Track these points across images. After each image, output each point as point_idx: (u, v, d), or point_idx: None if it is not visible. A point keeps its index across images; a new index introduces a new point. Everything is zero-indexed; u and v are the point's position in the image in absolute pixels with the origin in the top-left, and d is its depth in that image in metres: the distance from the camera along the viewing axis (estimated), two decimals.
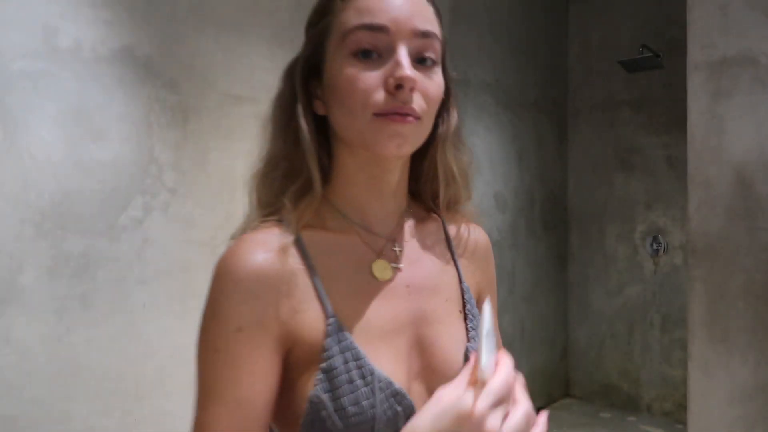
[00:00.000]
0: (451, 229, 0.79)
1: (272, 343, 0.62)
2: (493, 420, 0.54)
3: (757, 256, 1.80)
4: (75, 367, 1.72)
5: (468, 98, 3.33)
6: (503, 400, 0.55)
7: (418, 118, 0.63)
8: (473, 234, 0.81)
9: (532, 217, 3.92)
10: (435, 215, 0.79)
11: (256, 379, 0.61)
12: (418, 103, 0.62)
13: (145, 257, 1.88)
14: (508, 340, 3.60)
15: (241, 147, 2.14)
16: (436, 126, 0.70)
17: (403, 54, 0.61)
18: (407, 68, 0.61)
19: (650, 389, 3.88)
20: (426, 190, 0.76)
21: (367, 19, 0.62)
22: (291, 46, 2.31)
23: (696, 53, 1.92)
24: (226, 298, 0.62)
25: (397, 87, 0.61)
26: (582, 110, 4.20)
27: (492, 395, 0.54)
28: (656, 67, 3.63)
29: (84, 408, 1.74)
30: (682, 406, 3.63)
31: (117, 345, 1.81)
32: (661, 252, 3.84)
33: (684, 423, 2.39)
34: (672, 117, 3.71)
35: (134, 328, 1.85)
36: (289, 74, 0.72)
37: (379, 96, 0.61)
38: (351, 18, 0.63)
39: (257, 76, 2.19)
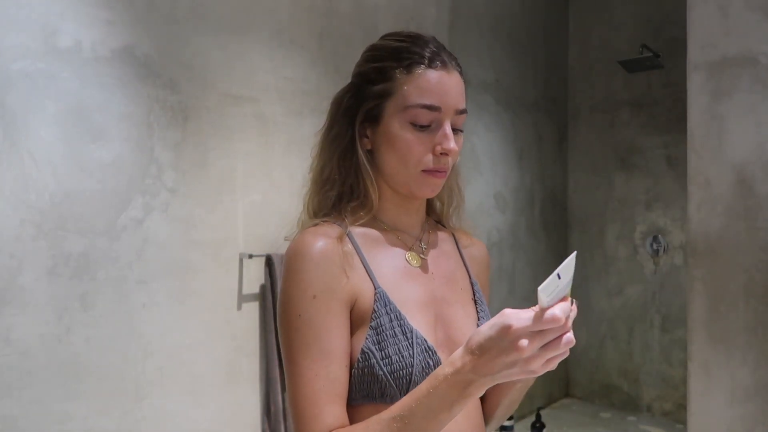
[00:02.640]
0: (456, 236, 1.01)
1: (341, 305, 0.80)
2: (526, 342, 0.61)
3: (757, 256, 1.80)
4: (75, 367, 1.72)
5: (468, 98, 3.33)
6: (546, 332, 0.62)
7: (447, 171, 0.86)
8: (472, 241, 1.03)
9: (532, 217, 3.92)
10: (444, 228, 1.00)
11: (333, 334, 0.78)
12: (451, 162, 0.86)
13: (145, 257, 1.88)
14: None
15: (241, 147, 2.14)
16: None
17: (449, 129, 0.83)
18: (452, 142, 0.83)
19: (650, 389, 3.88)
20: (436, 200, 0.99)
21: (426, 101, 0.82)
22: (291, 46, 2.31)
23: (696, 53, 1.92)
24: (302, 273, 0.79)
25: (442, 154, 0.84)
26: (582, 110, 4.20)
27: (536, 323, 0.61)
28: (656, 67, 3.63)
29: (84, 408, 1.74)
30: (682, 406, 3.63)
31: (117, 345, 1.81)
32: (661, 252, 3.83)
33: (684, 423, 2.39)
34: (672, 117, 3.70)
35: (134, 328, 1.85)
36: (344, 113, 0.89)
37: (428, 158, 0.84)
38: (413, 95, 0.83)
39: (257, 76, 2.19)
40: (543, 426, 3.09)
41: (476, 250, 1.02)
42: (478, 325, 0.90)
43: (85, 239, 1.74)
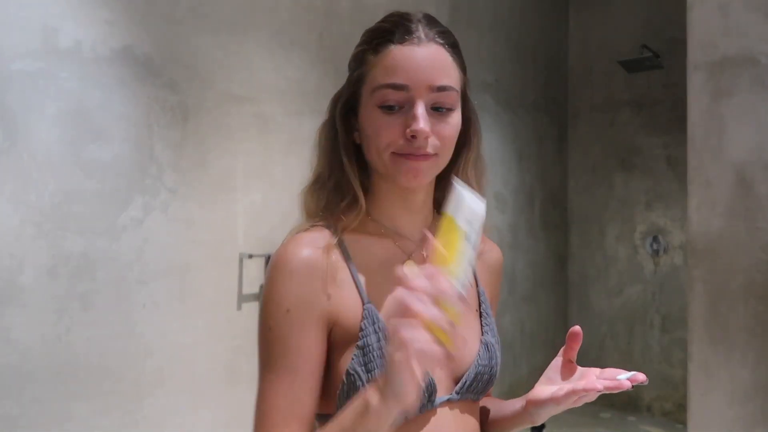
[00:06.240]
0: None
1: (317, 323, 0.74)
2: (419, 281, 0.59)
3: (757, 256, 1.80)
4: (75, 367, 1.72)
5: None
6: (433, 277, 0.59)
7: (433, 155, 0.76)
8: (486, 245, 0.93)
9: (532, 217, 3.92)
10: None
11: (302, 352, 0.73)
12: (432, 144, 0.75)
13: (145, 257, 1.88)
14: (508, 340, 3.60)
15: (241, 147, 2.14)
16: (460, 150, 0.83)
17: (419, 109, 0.73)
18: (421, 123, 0.73)
19: (650, 389, 3.88)
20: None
21: (391, 79, 0.74)
22: (291, 46, 2.31)
23: (696, 53, 1.92)
24: (279, 285, 0.75)
25: (412, 136, 0.73)
26: (582, 110, 4.20)
27: (424, 272, 0.59)
28: (656, 67, 3.63)
29: (84, 408, 1.74)
30: (682, 406, 3.63)
31: (117, 345, 1.81)
32: (661, 252, 3.83)
33: (684, 423, 2.39)
34: (672, 117, 3.70)
35: (134, 328, 1.85)
36: (333, 107, 0.84)
37: (400, 141, 0.75)
38: (379, 76, 0.75)
39: (257, 76, 2.19)
40: (543, 426, 3.09)
41: (489, 254, 0.93)
42: (481, 340, 0.82)
43: (85, 239, 1.74)
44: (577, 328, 0.76)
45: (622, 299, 4.01)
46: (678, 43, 3.13)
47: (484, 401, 0.90)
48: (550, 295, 4.09)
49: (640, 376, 0.70)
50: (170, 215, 1.94)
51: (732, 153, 1.85)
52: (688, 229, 1.93)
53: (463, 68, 0.80)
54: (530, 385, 0.84)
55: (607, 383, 0.70)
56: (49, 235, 1.67)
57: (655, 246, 3.85)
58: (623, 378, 0.70)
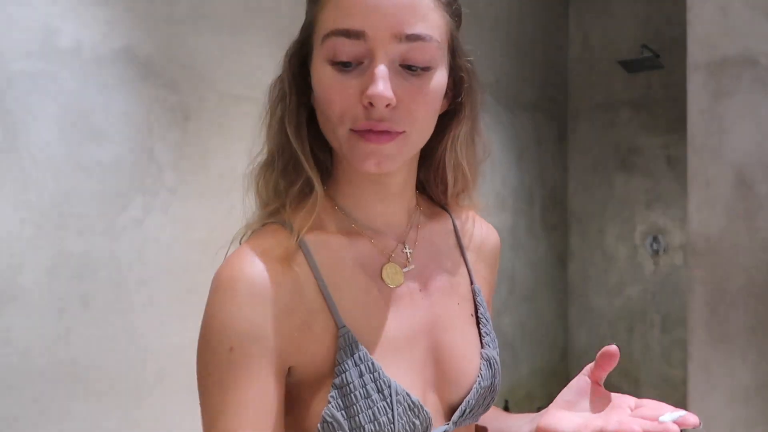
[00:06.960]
0: (459, 223, 0.74)
1: (270, 362, 0.57)
2: None
3: (757, 256, 1.80)
4: (75, 367, 1.72)
5: None
6: None
7: (400, 132, 0.57)
8: (482, 229, 0.77)
9: (532, 217, 3.92)
10: (443, 211, 0.74)
11: (243, 407, 0.55)
12: (399, 118, 0.56)
13: (145, 257, 1.88)
14: (508, 340, 3.60)
15: (241, 147, 2.14)
16: (450, 121, 0.67)
17: (379, 67, 0.54)
18: (380, 85, 0.54)
19: (650, 389, 3.88)
20: (435, 181, 0.72)
21: (343, 24, 0.55)
22: None
23: (696, 53, 1.92)
24: (220, 315, 0.57)
25: (369, 103, 0.55)
26: (582, 110, 4.20)
27: None
28: (656, 67, 3.64)
29: (84, 408, 1.74)
30: (682, 406, 3.63)
31: (117, 345, 1.81)
32: (661, 252, 3.84)
33: None
34: (672, 117, 3.71)
35: (134, 328, 1.85)
36: (286, 60, 0.64)
37: (357, 110, 0.56)
38: (329, 19, 0.56)
39: (257, 76, 2.19)
40: None
41: (485, 243, 0.76)
42: (481, 355, 0.67)
43: (85, 239, 1.74)
44: (613, 347, 0.61)
45: (622, 299, 4.01)
46: (678, 43, 3.13)
47: None
48: (550, 295, 4.09)
49: (692, 419, 0.55)
50: (170, 215, 1.94)
51: (732, 153, 1.85)
52: (688, 229, 1.93)
53: (452, 12, 0.61)
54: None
55: (647, 425, 0.54)
56: (49, 235, 1.67)
57: (655, 246, 3.85)
58: (668, 420, 0.54)
